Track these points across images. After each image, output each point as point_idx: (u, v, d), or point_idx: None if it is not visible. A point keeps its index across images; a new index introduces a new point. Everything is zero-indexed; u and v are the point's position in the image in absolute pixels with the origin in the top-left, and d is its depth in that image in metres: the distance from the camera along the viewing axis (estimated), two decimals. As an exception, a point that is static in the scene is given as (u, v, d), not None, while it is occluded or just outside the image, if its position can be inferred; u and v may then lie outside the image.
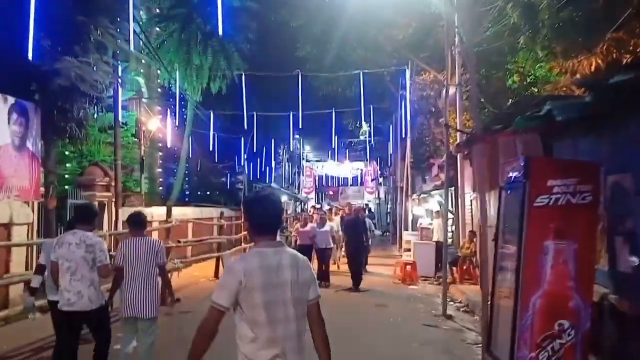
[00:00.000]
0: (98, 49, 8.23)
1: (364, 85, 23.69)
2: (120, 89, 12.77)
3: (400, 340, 7.37)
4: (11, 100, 8.64)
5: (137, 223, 5.29)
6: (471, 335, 7.57)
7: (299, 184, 42.66)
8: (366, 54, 23.61)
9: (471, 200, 11.26)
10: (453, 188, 12.42)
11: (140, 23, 19.78)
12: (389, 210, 32.61)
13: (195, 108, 19.81)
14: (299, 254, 2.64)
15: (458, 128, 10.54)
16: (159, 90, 20.67)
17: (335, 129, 33.28)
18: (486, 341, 5.34)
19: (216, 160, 21.77)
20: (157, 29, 20.63)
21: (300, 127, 14.60)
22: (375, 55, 23.26)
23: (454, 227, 12.73)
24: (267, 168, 30.59)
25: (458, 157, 12.10)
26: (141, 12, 20.20)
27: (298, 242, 12.87)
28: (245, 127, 14.90)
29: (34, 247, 9.43)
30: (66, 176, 14.36)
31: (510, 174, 4.99)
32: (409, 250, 13.42)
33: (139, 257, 4.97)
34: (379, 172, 39.56)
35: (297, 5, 23.16)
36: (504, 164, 6.37)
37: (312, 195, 43.59)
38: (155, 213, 14.69)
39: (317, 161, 44.11)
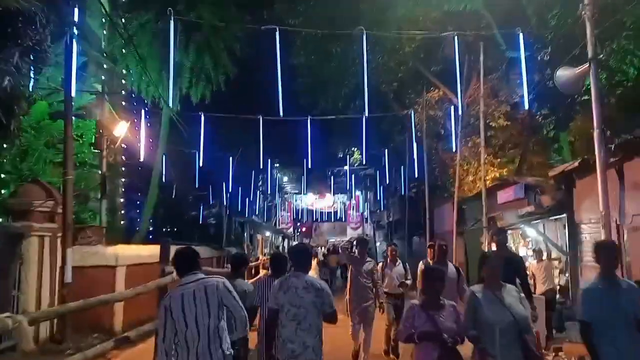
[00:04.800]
0: None
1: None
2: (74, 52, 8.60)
3: None
4: None
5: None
6: None
7: (278, 218, 38.30)
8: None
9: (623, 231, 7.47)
10: (564, 216, 8.67)
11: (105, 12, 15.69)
12: (384, 251, 28.48)
13: (174, 118, 15.57)
14: None
15: None
16: (123, 92, 16.36)
17: (322, 156, 29.60)
18: None
19: (197, 187, 17.54)
20: (123, 20, 16.43)
21: (365, 112, 10.55)
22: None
23: (567, 274, 8.88)
24: (247, 199, 26.30)
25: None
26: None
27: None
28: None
29: None
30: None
31: None
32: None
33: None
34: (369, 205, 35.84)
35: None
36: None
37: (291, 231, 39.40)
38: (122, 254, 10.28)
39: (295, 194, 40.01)
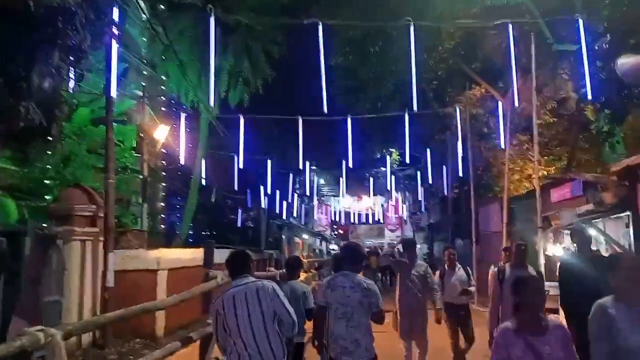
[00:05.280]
0: None
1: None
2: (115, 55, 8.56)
3: None
4: None
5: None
6: None
7: (315, 221, 38.04)
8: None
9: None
10: (627, 214, 8.09)
11: (144, 18, 15.75)
12: (425, 255, 27.64)
13: (212, 122, 15.53)
14: None
15: None
16: (163, 97, 16.39)
17: (360, 157, 29.09)
18: None
19: (235, 190, 17.50)
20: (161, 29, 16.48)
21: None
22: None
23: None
24: (284, 202, 26.15)
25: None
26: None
27: None
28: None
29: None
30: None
31: None
32: (554, 311, 8.70)
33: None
34: (408, 206, 35.16)
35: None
36: None
37: (328, 233, 39.13)
38: (163, 258, 10.21)
39: (332, 196, 39.65)
